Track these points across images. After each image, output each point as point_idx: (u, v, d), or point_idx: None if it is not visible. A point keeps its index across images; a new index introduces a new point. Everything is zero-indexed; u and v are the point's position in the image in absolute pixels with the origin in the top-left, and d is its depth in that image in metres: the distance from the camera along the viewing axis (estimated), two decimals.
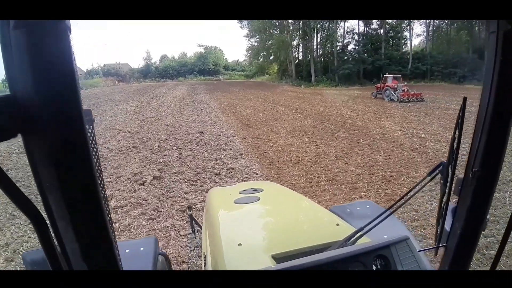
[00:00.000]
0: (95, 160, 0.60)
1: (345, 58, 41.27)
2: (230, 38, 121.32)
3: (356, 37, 42.59)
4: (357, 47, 39.76)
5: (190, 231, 3.53)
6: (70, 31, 0.46)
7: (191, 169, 6.43)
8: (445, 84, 36.13)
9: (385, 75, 21.55)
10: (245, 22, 50.21)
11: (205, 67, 64.09)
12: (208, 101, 21.98)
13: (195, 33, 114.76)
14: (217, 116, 14.35)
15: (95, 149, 0.67)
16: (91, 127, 0.63)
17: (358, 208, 2.05)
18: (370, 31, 43.39)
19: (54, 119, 0.45)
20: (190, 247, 3.39)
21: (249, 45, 51.94)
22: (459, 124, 0.90)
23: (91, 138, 0.62)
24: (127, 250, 1.56)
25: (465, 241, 0.98)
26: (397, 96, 18.28)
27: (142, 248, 1.61)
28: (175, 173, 6.18)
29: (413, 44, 48.53)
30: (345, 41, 44.30)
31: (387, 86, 19.62)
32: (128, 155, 7.66)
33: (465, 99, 0.88)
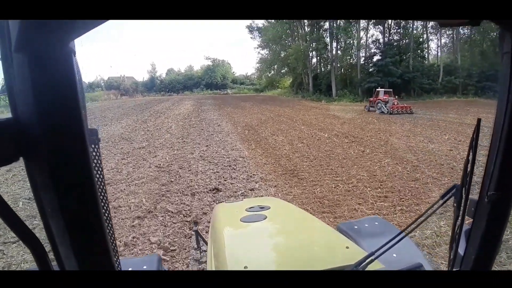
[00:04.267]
0: (99, 181, 0.61)
1: (371, 70, 36.78)
2: (239, 51, 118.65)
3: (381, 47, 38.17)
4: (384, 59, 35.27)
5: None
6: (75, 54, 0.46)
7: None
8: (479, 99, 31.94)
9: (377, 90, 22.60)
10: (256, 32, 46.78)
11: (212, 81, 60.67)
12: (218, 120, 17.48)
13: (202, 46, 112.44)
14: (235, 147, 9.73)
15: (100, 169, 0.64)
16: (96, 146, 0.61)
17: (366, 225, 1.94)
18: (395, 41, 39.11)
19: (56, 144, 0.44)
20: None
21: (260, 57, 48.12)
22: (473, 146, 0.86)
23: (96, 158, 0.60)
24: (129, 268, 1.53)
25: (480, 265, 0.93)
26: (387, 109, 19.61)
27: (145, 267, 1.59)
28: None
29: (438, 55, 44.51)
30: (369, 51, 39.99)
31: (378, 99, 20.79)
32: None
33: (479, 120, 0.86)
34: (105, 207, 0.65)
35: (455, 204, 0.94)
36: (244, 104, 30.05)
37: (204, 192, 5.67)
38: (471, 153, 0.87)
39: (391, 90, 22.31)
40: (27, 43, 0.41)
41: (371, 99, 22.35)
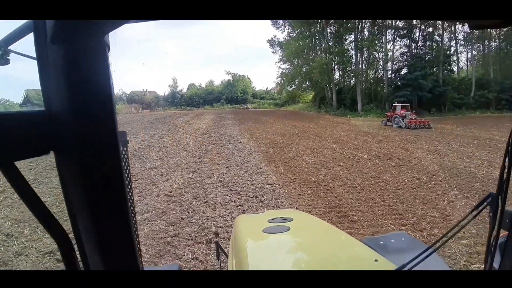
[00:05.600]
0: (127, 182, 0.60)
1: (399, 84, 34.69)
2: (259, 65, 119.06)
3: (410, 60, 36.08)
4: (413, 71, 33.12)
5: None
6: (109, 48, 0.45)
7: None
8: None
9: (394, 104, 22.80)
10: (277, 47, 46.09)
11: (232, 95, 60.22)
12: (239, 136, 16.20)
13: (223, 62, 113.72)
14: (260, 170, 8.29)
15: (127, 171, 0.63)
16: (124, 148, 0.62)
17: (392, 240, 1.83)
18: (424, 53, 37.05)
19: (87, 139, 0.43)
20: None
21: (280, 71, 47.09)
22: (510, 152, 0.82)
23: (124, 159, 0.61)
24: None
25: None
26: (405, 123, 19.62)
27: None
28: None
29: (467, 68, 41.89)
30: (397, 64, 38.00)
31: (396, 114, 20.87)
32: None
33: None
34: (131, 209, 0.64)
35: (490, 214, 0.88)
36: (266, 119, 28.80)
37: (224, 238, 4.21)
38: (507, 160, 0.83)
39: (408, 105, 22.33)
40: (62, 35, 0.40)
41: (388, 113, 22.59)
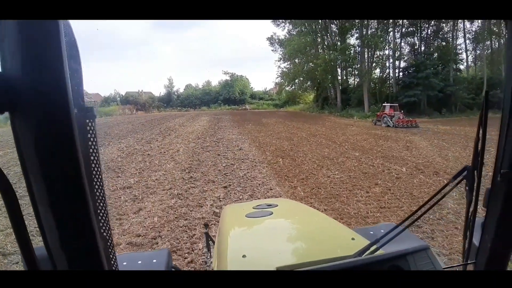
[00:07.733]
0: (93, 156, 0.62)
1: (408, 82, 32.56)
2: (257, 65, 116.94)
3: (419, 58, 34.00)
4: (424, 70, 31.01)
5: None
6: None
7: None
8: None
9: (383, 104, 23.76)
10: (277, 45, 44.05)
11: (230, 96, 58.03)
12: (239, 141, 13.92)
13: (221, 63, 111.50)
14: (271, 192, 5.99)
15: (96, 147, 0.64)
16: (92, 123, 0.62)
17: (382, 231, 1.73)
18: (434, 50, 35.12)
19: (41, 102, 0.44)
20: None
21: (280, 71, 44.91)
22: (483, 122, 0.79)
23: (93, 134, 0.62)
24: (139, 262, 1.53)
25: (496, 258, 0.85)
26: (393, 123, 20.42)
27: (154, 261, 1.56)
28: None
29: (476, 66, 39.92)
30: (407, 61, 35.94)
31: (384, 114, 21.75)
32: None
33: (487, 93, 0.80)
34: (97, 184, 0.65)
35: (467, 188, 0.86)
36: (267, 120, 26.57)
37: None
38: (481, 130, 0.80)
39: (397, 105, 23.08)
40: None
41: (378, 113, 23.43)
